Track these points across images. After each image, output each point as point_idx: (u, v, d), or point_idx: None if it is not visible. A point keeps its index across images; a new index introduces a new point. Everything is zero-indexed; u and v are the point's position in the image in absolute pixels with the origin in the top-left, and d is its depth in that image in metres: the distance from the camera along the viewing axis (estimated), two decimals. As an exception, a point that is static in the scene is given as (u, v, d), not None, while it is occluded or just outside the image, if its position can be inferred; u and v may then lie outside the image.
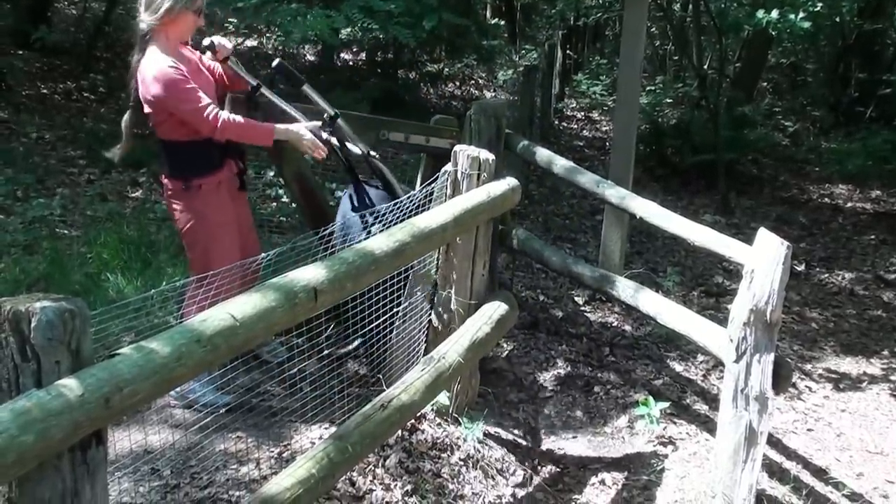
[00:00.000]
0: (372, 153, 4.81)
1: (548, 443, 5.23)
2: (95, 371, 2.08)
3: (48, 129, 10.04)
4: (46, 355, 2.01)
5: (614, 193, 4.95)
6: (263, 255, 3.42)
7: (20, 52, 11.27)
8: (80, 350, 2.08)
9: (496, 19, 22.90)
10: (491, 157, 4.45)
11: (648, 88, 16.52)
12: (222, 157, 4.55)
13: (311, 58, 16.40)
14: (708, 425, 5.33)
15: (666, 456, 5.03)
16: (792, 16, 9.12)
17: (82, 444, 2.10)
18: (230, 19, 16.82)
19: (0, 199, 7.70)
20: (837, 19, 14.72)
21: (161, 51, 4.36)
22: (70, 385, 2.00)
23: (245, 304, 2.55)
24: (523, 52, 22.01)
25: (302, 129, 4.56)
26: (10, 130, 9.76)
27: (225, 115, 4.35)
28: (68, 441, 2.01)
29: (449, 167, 4.48)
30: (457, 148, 4.51)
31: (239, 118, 4.41)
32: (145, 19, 4.36)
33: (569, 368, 6.06)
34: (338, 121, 4.80)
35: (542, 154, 5.52)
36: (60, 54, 12.61)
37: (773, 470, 5.00)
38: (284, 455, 4.12)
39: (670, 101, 16.08)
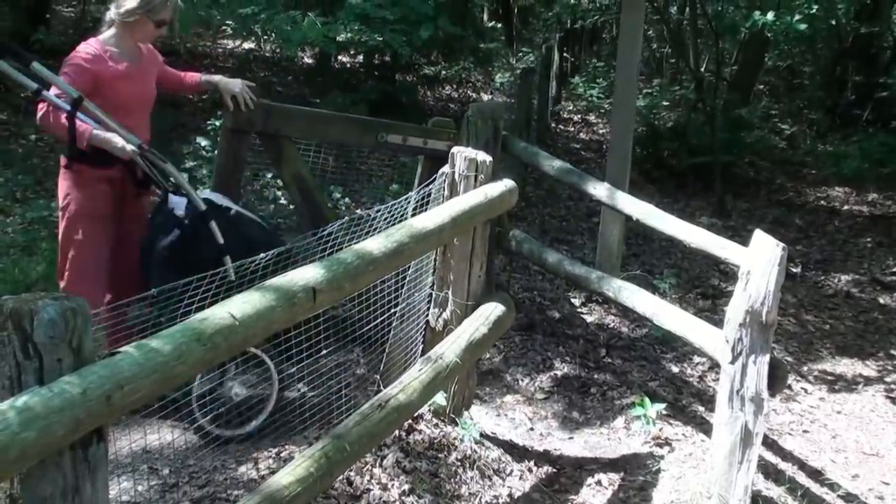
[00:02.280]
0: (144, 146, 4.48)
1: (544, 443, 5.25)
2: (97, 369, 2.09)
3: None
4: (48, 353, 2.03)
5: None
6: (263, 255, 3.44)
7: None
8: (82, 348, 2.10)
9: (493, 22, 22.95)
10: (488, 158, 4.47)
11: (645, 91, 16.54)
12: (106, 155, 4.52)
13: (308, 60, 16.41)
14: (704, 426, 5.35)
15: (662, 457, 5.05)
16: (788, 18, 9.16)
17: (83, 442, 2.11)
18: (227, 22, 16.86)
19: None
20: (834, 22, 14.77)
21: (104, 39, 4.64)
22: (72, 382, 2.01)
23: (245, 304, 2.57)
24: (520, 54, 22.01)
25: (116, 138, 4.45)
26: (10, 132, 9.76)
27: (54, 110, 4.36)
28: (70, 438, 2.02)
29: (446, 169, 4.50)
30: (454, 150, 4.52)
31: (62, 120, 4.35)
32: (111, 11, 4.66)
33: (565, 370, 6.08)
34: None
35: (547, 159, 5.54)
36: (59, 56, 12.58)
37: (768, 471, 5.02)
38: (282, 454, 4.14)
39: (667, 103, 16.10)
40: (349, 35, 10.63)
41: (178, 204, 4.51)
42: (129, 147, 4.38)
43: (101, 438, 2.18)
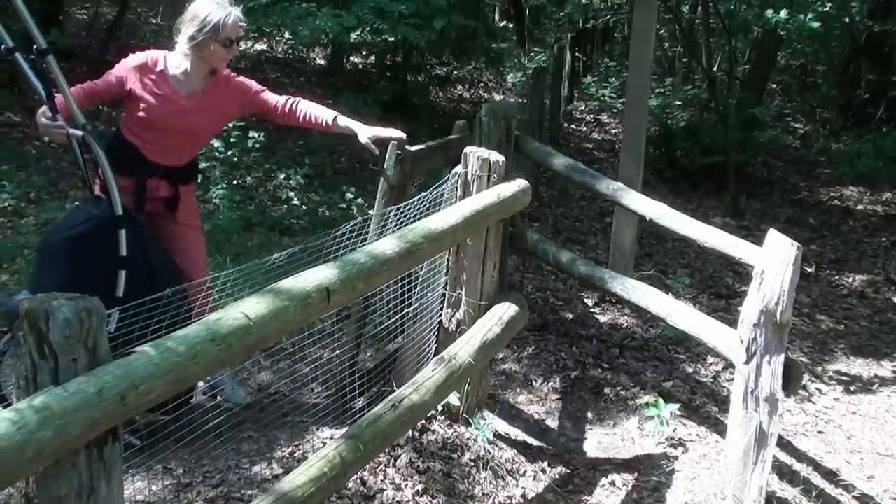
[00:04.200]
0: (87, 127, 4.09)
1: (558, 444, 5.24)
2: (112, 369, 2.10)
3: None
4: (64, 353, 2.03)
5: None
6: (276, 255, 3.44)
7: (32, 57, 11.29)
8: (97, 348, 2.10)
9: (504, 22, 22.96)
10: (501, 158, 4.46)
11: (658, 91, 16.53)
12: (125, 164, 4.38)
13: (320, 61, 16.44)
14: (718, 427, 5.34)
15: (676, 457, 5.04)
16: (801, 16, 9.14)
17: (98, 441, 2.11)
18: (240, 23, 16.88)
19: (13, 202, 7.75)
20: (847, 20, 14.71)
21: (172, 56, 4.47)
22: (87, 382, 2.02)
23: (259, 304, 2.57)
24: (532, 54, 22.03)
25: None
26: (24, 134, 9.79)
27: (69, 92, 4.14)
28: (85, 438, 2.03)
29: (459, 169, 4.50)
30: (467, 150, 4.52)
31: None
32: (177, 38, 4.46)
33: (579, 370, 6.07)
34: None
35: (560, 158, 5.53)
36: (72, 58, 12.63)
37: (783, 472, 5.00)
38: (296, 454, 4.14)
39: (679, 103, 16.09)
40: (362, 32, 10.66)
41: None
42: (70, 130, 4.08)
43: (116, 438, 2.18)
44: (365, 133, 4.53)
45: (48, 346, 2.02)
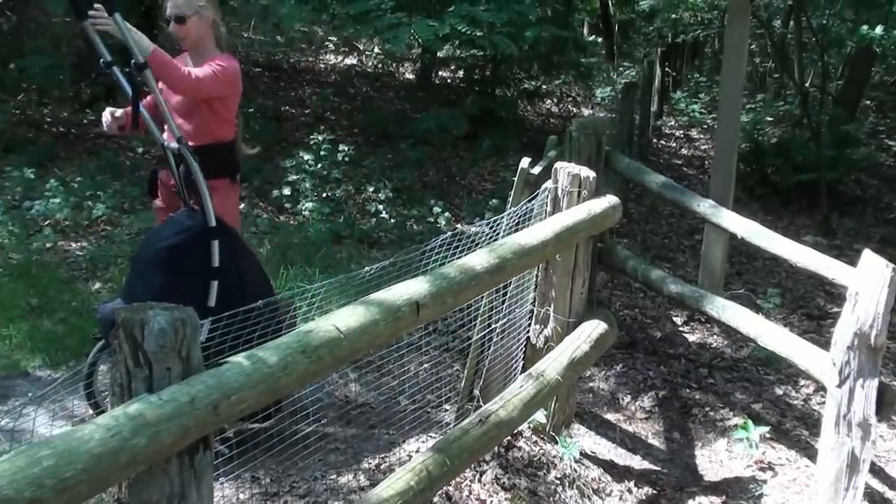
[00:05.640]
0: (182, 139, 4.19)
1: (644, 464, 5.17)
2: (205, 378, 2.12)
3: (152, 145, 10.28)
4: (158, 362, 2.06)
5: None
6: (367, 268, 3.45)
7: (128, 70, 11.55)
8: (190, 357, 2.13)
9: (594, 36, 22.88)
10: (592, 174, 4.43)
11: (749, 107, 16.28)
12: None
13: (409, 76, 16.55)
14: (808, 451, 5.22)
15: (765, 481, 4.94)
16: (896, 31, 8.95)
17: (190, 449, 2.14)
18: (330, 38, 17.11)
19: (108, 212, 7.92)
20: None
21: None
22: (180, 391, 2.05)
23: (349, 317, 2.58)
24: (621, 69, 21.90)
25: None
26: (118, 145, 10.03)
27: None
28: (177, 445, 2.05)
29: (549, 184, 4.47)
30: (557, 165, 4.50)
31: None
32: None
33: (666, 389, 5.98)
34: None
35: (651, 175, 5.47)
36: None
37: (874, 499, 4.86)
38: (382, 467, 4.15)
39: (771, 119, 15.85)
40: (451, 46, 10.73)
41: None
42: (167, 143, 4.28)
43: (207, 446, 2.21)
44: None
45: (143, 355, 2.05)
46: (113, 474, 1.90)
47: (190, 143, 4.26)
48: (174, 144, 4.17)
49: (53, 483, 1.74)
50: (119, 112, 4.43)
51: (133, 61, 3.99)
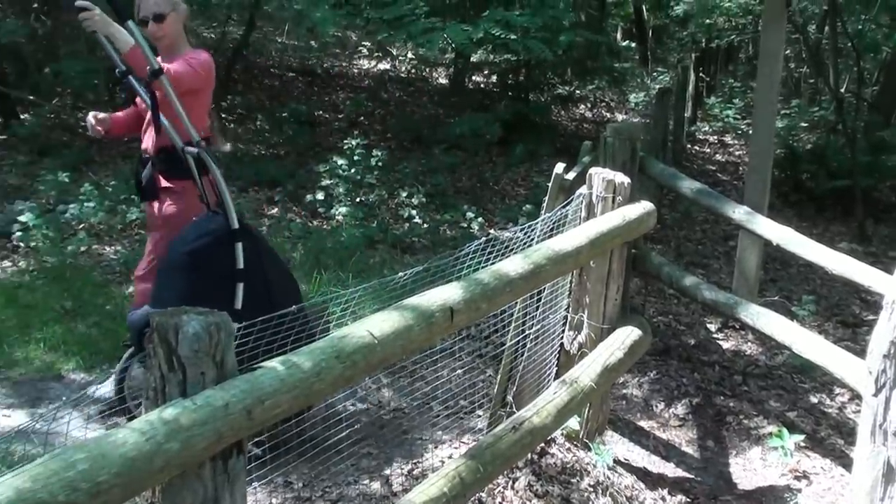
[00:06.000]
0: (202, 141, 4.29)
1: (678, 471, 5.13)
2: (238, 383, 2.12)
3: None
4: (192, 366, 2.06)
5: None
6: (401, 273, 3.45)
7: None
8: (224, 362, 2.12)
9: (627, 41, 22.80)
10: (626, 180, 4.41)
11: (783, 112, 16.14)
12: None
13: (442, 81, 16.56)
14: (843, 460, 5.17)
15: (799, 490, 4.89)
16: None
17: (224, 454, 2.13)
18: (364, 43, 17.16)
19: (141, 216, 7.93)
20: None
21: None
22: (214, 396, 2.04)
23: (384, 323, 2.57)
24: (655, 74, 21.81)
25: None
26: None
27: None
28: (211, 450, 2.05)
29: (584, 190, 4.45)
30: (592, 171, 4.48)
31: None
32: None
33: (700, 397, 5.94)
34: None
35: (686, 181, 5.43)
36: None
37: (913, 509, 4.81)
38: (415, 472, 4.13)
39: (805, 125, 15.70)
40: (484, 51, 10.75)
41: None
42: (186, 147, 4.33)
43: (241, 451, 2.20)
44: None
45: (177, 359, 2.05)
46: (147, 478, 1.90)
47: (154, 146, 4.48)
48: (194, 149, 4.21)
49: (87, 487, 1.74)
50: (102, 115, 4.57)
51: (147, 68, 4.03)
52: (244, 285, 4.21)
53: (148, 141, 4.61)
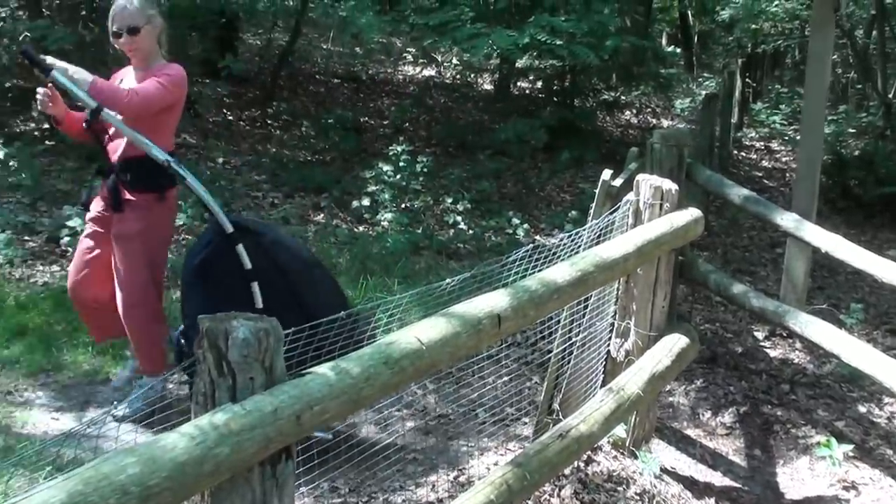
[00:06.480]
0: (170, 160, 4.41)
1: (725, 481, 5.09)
2: (287, 388, 2.12)
3: (234, 155, 10.43)
4: (241, 371, 2.07)
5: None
6: (448, 280, 3.45)
7: (208, 81, 11.74)
8: (274, 367, 2.13)
9: (672, 47, 22.69)
10: (674, 187, 4.38)
11: (830, 118, 15.98)
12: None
13: (487, 87, 16.55)
14: (892, 470, 5.10)
15: (848, 501, 4.84)
16: None
17: (272, 459, 2.14)
18: (408, 49, 17.21)
19: (188, 221, 8.02)
20: None
21: None
22: (263, 401, 2.05)
23: (431, 329, 2.57)
24: (700, 80, 21.68)
25: None
26: (199, 155, 10.18)
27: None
28: (260, 455, 2.06)
29: (631, 196, 4.43)
30: (639, 177, 4.45)
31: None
32: None
33: (747, 405, 5.88)
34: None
35: (733, 188, 5.39)
36: (246, 83, 13.09)
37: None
38: (461, 479, 4.13)
39: (853, 131, 15.53)
40: (530, 56, 10.76)
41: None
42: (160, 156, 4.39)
43: (290, 456, 2.21)
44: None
45: (227, 365, 2.06)
46: (196, 483, 1.91)
47: (120, 156, 4.54)
48: (161, 157, 4.35)
49: (138, 490, 1.75)
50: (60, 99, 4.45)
51: (87, 109, 4.16)
52: (258, 283, 4.26)
53: (114, 153, 4.63)
